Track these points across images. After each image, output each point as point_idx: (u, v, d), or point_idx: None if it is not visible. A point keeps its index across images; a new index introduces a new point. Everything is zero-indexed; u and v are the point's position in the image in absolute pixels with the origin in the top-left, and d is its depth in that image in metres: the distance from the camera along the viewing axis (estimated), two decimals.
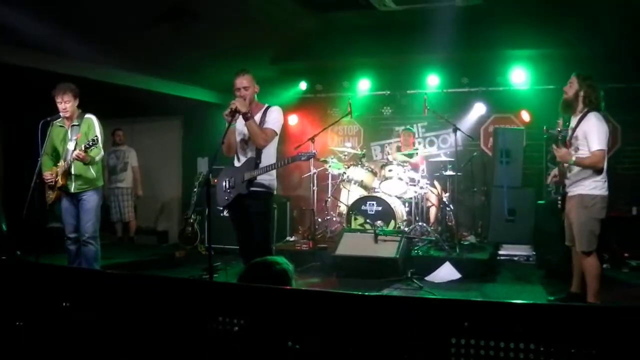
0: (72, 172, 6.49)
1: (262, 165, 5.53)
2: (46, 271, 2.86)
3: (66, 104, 6.48)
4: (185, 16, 7.42)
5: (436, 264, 7.86)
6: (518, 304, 1.95)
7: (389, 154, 10.76)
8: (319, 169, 9.77)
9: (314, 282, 7.61)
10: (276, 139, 5.68)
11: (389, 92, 11.32)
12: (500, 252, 9.06)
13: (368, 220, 8.72)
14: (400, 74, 10.93)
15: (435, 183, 9.84)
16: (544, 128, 8.87)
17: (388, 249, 7.83)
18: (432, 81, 10.74)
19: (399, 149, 10.52)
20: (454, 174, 9.32)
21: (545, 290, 7.04)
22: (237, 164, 5.75)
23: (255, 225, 5.57)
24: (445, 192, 9.70)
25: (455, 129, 8.67)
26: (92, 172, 6.60)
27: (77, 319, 2.61)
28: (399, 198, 9.15)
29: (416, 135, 11.10)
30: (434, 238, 8.80)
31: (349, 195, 9.52)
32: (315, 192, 9.60)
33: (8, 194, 10.95)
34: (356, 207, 8.97)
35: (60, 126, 6.63)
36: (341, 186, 9.88)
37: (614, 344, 1.80)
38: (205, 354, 2.30)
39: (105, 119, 6.99)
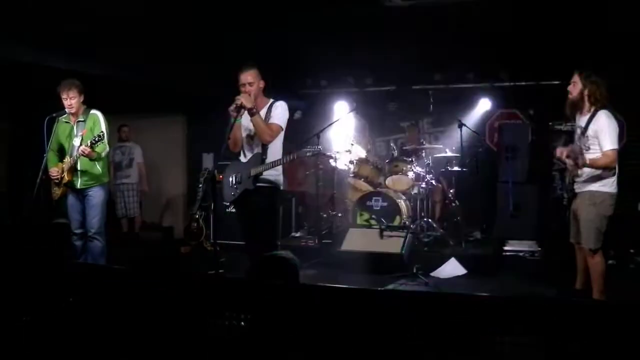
0: (78, 168, 6.51)
1: (268, 160, 5.53)
2: (52, 267, 2.87)
3: (72, 100, 6.49)
4: None
5: (442, 259, 7.87)
6: (525, 300, 1.95)
7: (394, 149, 10.75)
8: (324, 165, 9.76)
9: (319, 278, 7.60)
10: (282, 134, 5.66)
11: (394, 88, 11.30)
12: (506, 248, 9.03)
13: (373, 216, 8.72)
14: (406, 69, 10.91)
15: (441, 179, 9.83)
16: (549, 124, 8.89)
17: (393, 245, 7.84)
18: (438, 76, 10.72)
19: (403, 145, 10.50)
20: (459, 169, 9.30)
21: (551, 286, 7.02)
22: (243, 159, 5.75)
23: (261, 220, 5.56)
24: (451, 188, 9.69)
25: (461, 125, 8.66)
26: (98, 168, 6.61)
27: (83, 314, 2.62)
28: (405, 194, 9.15)
29: (421, 131, 11.07)
30: (439, 234, 8.79)
31: (354, 191, 9.52)
32: (320, 187, 9.59)
33: (14, 191, 10.98)
34: (361, 203, 8.97)
35: (66, 122, 6.65)
36: (346, 182, 9.87)
37: (619, 339, 1.80)
38: (212, 348, 2.30)
39: (110, 115, 6.99)
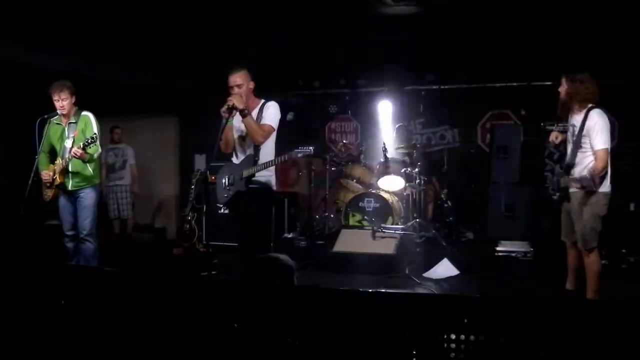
0: (70, 170, 6.49)
1: (260, 162, 5.51)
2: (44, 269, 2.86)
3: (63, 101, 6.47)
4: None
5: (434, 260, 7.86)
6: (516, 300, 1.95)
7: (386, 150, 10.75)
8: (316, 166, 9.75)
9: (312, 279, 7.60)
10: (274, 135, 5.64)
11: (386, 89, 11.30)
12: (498, 249, 9.05)
13: (366, 217, 8.72)
14: (398, 70, 10.91)
15: (433, 179, 9.84)
16: (541, 124, 8.90)
17: (386, 246, 7.84)
18: (429, 77, 10.73)
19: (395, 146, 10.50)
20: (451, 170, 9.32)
21: (543, 287, 7.04)
22: (235, 160, 5.73)
23: (254, 222, 5.55)
24: (443, 189, 9.71)
25: (453, 126, 8.67)
26: (89, 169, 6.59)
27: (76, 317, 2.61)
28: (397, 194, 9.15)
29: (413, 132, 11.08)
30: (432, 234, 8.80)
31: (347, 191, 9.52)
32: (313, 188, 9.59)
33: (5, 192, 10.93)
34: (354, 204, 8.98)
35: (57, 124, 6.62)
36: (339, 183, 9.88)
37: (611, 339, 1.80)
38: (205, 351, 2.30)
39: (102, 116, 6.97)
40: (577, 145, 5.62)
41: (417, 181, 9.10)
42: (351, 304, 2.10)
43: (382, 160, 9.57)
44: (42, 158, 6.59)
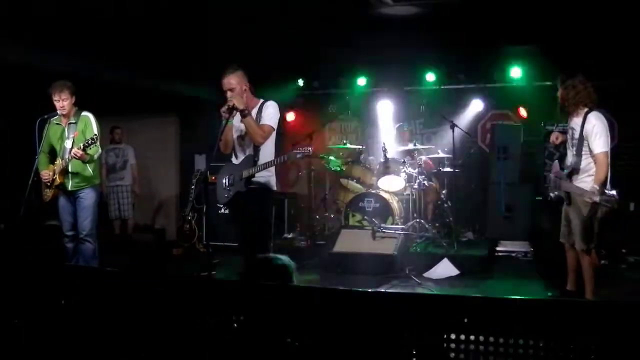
0: (70, 170, 6.48)
1: (260, 162, 5.50)
2: (44, 269, 2.86)
3: (64, 101, 6.46)
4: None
5: (434, 260, 7.87)
6: (517, 300, 1.95)
7: (386, 150, 10.75)
8: (316, 166, 9.75)
9: (312, 279, 7.60)
10: (274, 135, 5.62)
11: (386, 89, 11.30)
12: (498, 249, 9.06)
13: (366, 217, 8.72)
14: (398, 70, 10.92)
15: (433, 179, 9.84)
16: (542, 124, 8.92)
17: (386, 246, 7.84)
18: (430, 78, 10.74)
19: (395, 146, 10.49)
20: (451, 170, 9.31)
21: (543, 287, 7.05)
22: (235, 161, 5.72)
23: (253, 222, 5.53)
24: (443, 189, 9.70)
25: (453, 126, 8.67)
26: (89, 169, 6.58)
27: (75, 317, 2.61)
28: (397, 195, 9.15)
29: (414, 132, 11.08)
30: (431, 235, 8.80)
31: (347, 192, 9.52)
32: (313, 189, 9.59)
33: (5, 192, 10.93)
34: (354, 204, 8.98)
35: (57, 124, 6.62)
36: (339, 183, 9.87)
37: (611, 339, 1.80)
38: (204, 350, 2.30)
39: (102, 117, 6.97)
40: (579, 151, 5.62)
41: (417, 181, 9.09)
42: (351, 304, 2.10)
43: (382, 160, 9.56)
44: (41, 158, 6.58)
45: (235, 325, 2.24)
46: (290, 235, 10.24)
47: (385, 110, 11.41)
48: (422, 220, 9.10)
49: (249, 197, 5.51)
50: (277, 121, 5.62)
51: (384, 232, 8.02)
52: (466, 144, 10.61)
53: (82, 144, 6.22)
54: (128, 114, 11.85)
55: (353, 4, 7.59)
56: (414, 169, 9.21)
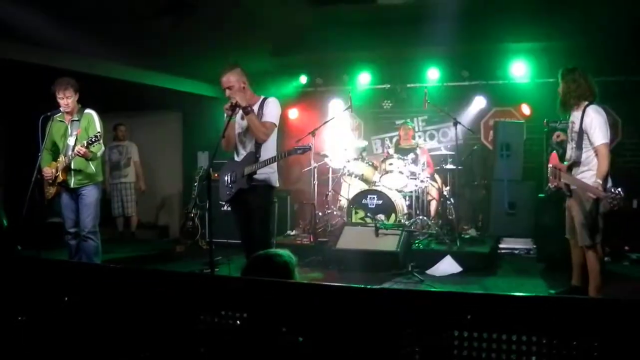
0: (72, 167, 6.48)
1: (261, 159, 5.49)
2: (47, 266, 2.86)
3: (68, 99, 6.47)
4: (183, 9, 7.38)
5: (437, 257, 7.87)
6: (520, 297, 1.95)
7: (389, 147, 10.76)
8: (319, 163, 9.74)
9: (315, 276, 7.60)
10: (275, 132, 5.63)
11: (389, 86, 11.30)
12: (501, 246, 9.07)
13: (369, 214, 8.72)
14: (401, 67, 10.92)
15: (436, 176, 9.84)
16: (545, 121, 8.90)
17: (389, 243, 7.84)
18: (433, 75, 10.74)
19: (398, 143, 10.49)
20: (454, 167, 9.31)
21: (546, 284, 7.05)
22: (237, 158, 5.72)
23: (255, 219, 5.53)
24: (446, 186, 9.70)
25: (456, 123, 8.66)
26: (92, 167, 6.59)
27: (79, 313, 2.61)
28: (400, 192, 9.15)
29: (416, 129, 11.08)
30: (434, 232, 8.80)
31: (350, 189, 9.52)
32: (315, 186, 9.58)
33: (9, 190, 10.95)
34: (357, 201, 8.97)
35: (60, 121, 6.62)
36: (342, 180, 9.87)
37: (614, 336, 1.80)
38: (207, 348, 2.30)
39: (105, 114, 6.98)
40: (579, 144, 5.65)
41: (420, 178, 9.08)
42: (353, 301, 2.10)
43: (385, 157, 9.56)
44: (44, 155, 6.58)
45: (238, 322, 2.24)
46: (293, 232, 10.25)
47: (388, 107, 11.45)
48: (425, 217, 9.10)
49: (251, 194, 5.51)
50: (278, 117, 5.62)
51: (387, 229, 8.03)
52: (469, 141, 10.60)
53: (85, 142, 6.23)
54: (131, 112, 11.87)
55: (356, 1, 7.61)
56: (417, 166, 9.20)
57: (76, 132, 6.52)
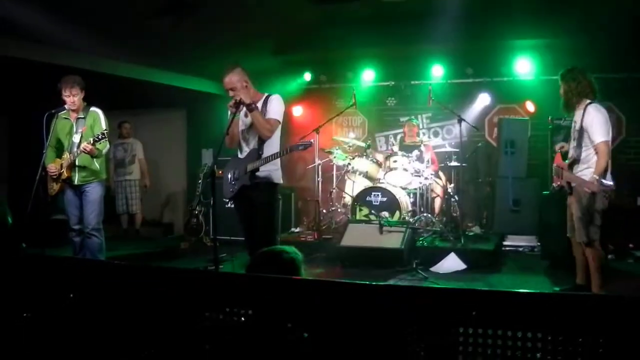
0: (77, 164, 6.50)
1: (264, 155, 5.50)
2: (52, 263, 2.87)
3: (74, 97, 6.49)
4: (186, 7, 7.39)
5: (441, 254, 7.86)
6: (525, 294, 1.95)
7: (393, 144, 10.75)
8: (323, 160, 9.74)
9: (319, 273, 7.61)
10: (279, 129, 5.63)
11: (393, 83, 11.28)
12: (505, 243, 9.06)
13: (373, 211, 8.73)
14: (405, 64, 10.90)
15: (440, 174, 9.83)
16: (549, 118, 8.90)
17: (393, 240, 7.84)
18: (437, 72, 10.72)
19: (402, 140, 10.49)
20: (458, 164, 9.30)
21: (550, 281, 7.05)
22: (240, 155, 5.73)
23: (259, 216, 5.54)
24: (450, 183, 9.69)
25: (460, 120, 8.65)
26: (96, 164, 6.61)
27: (84, 310, 2.62)
28: (404, 189, 9.14)
29: (421, 126, 11.06)
30: (438, 229, 8.80)
31: (354, 186, 9.53)
32: (320, 183, 9.57)
33: (13, 187, 10.98)
34: (361, 198, 8.97)
35: (65, 119, 6.64)
36: (346, 177, 9.87)
37: (619, 333, 1.80)
38: (212, 345, 2.30)
39: (110, 111, 6.99)
40: (579, 143, 5.69)
41: (424, 175, 9.07)
42: (358, 297, 2.10)
43: (389, 154, 9.55)
44: (49, 152, 6.60)
45: (243, 319, 2.24)
46: (297, 229, 10.26)
47: (392, 104, 11.45)
48: (429, 215, 9.10)
49: (254, 191, 5.52)
50: (282, 114, 5.63)
51: (391, 226, 8.03)
52: (473, 138, 10.58)
53: (92, 139, 6.24)
54: (136, 109, 11.89)
55: None
56: (422, 163, 9.20)
57: (82, 129, 6.53)
